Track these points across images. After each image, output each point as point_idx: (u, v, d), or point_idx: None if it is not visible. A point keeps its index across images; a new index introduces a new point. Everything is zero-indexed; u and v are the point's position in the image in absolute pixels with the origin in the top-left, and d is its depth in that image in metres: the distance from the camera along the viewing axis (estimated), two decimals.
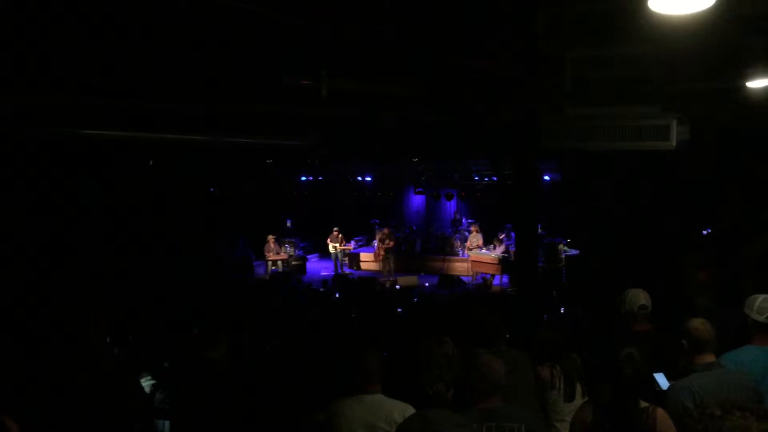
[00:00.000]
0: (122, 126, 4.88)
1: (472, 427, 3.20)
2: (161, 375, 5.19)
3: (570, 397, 4.53)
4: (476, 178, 18.73)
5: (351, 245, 19.43)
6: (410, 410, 3.57)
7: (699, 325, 3.89)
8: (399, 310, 10.42)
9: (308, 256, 19.93)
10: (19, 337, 6.04)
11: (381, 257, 17.62)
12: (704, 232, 9.99)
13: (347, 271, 18.64)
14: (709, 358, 3.86)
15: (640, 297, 4.88)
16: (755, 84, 5.01)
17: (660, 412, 3.31)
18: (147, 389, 4.82)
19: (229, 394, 4.29)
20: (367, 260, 18.96)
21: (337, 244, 18.47)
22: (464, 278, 16.57)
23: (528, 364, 4.65)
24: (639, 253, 9.39)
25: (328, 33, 4.63)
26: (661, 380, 3.91)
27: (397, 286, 14.63)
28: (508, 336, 4.81)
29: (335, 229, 18.57)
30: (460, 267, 17.49)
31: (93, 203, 11.89)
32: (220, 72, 5.09)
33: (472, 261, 16.71)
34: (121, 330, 6.59)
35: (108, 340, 4.53)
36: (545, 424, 4.43)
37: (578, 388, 4.57)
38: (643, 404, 3.34)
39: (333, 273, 17.87)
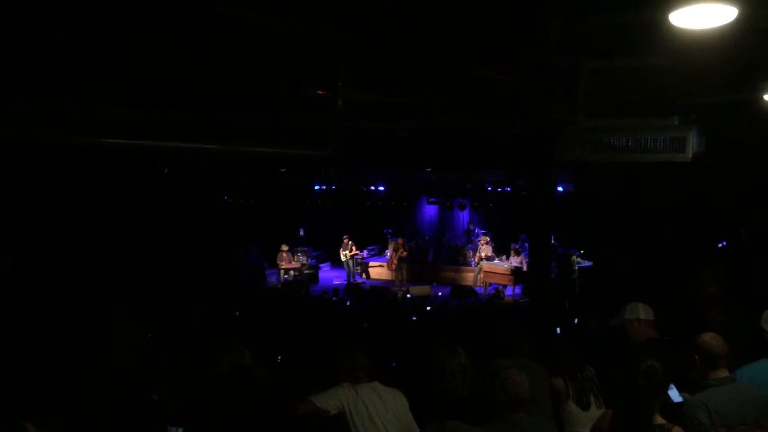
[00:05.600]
0: (138, 135, 4.93)
1: None
2: (174, 382, 5.21)
3: (585, 408, 4.52)
4: (489, 188, 18.73)
5: (363, 253, 19.44)
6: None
7: (711, 339, 3.86)
8: (414, 318, 10.43)
9: (321, 265, 19.95)
10: (42, 341, 6.10)
11: (394, 267, 17.62)
12: (719, 245, 9.94)
13: (359, 280, 18.65)
14: (723, 372, 3.82)
15: (640, 309, 4.90)
16: None
17: (678, 430, 3.28)
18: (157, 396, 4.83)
19: (236, 403, 4.31)
20: (380, 270, 18.96)
21: (348, 252, 18.49)
22: (476, 289, 16.53)
23: (544, 375, 4.66)
24: (653, 265, 9.35)
25: (343, 42, 4.67)
26: (673, 393, 3.87)
27: (408, 295, 14.63)
28: (528, 348, 4.84)
29: (345, 236, 18.60)
30: (473, 277, 17.45)
31: (107, 209, 11.97)
32: (237, 81, 5.13)
33: (485, 271, 16.67)
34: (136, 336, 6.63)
35: (131, 343, 4.58)
36: None
37: (593, 399, 4.57)
38: (661, 421, 3.31)
39: (345, 282, 17.88)
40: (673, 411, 3.67)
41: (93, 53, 4.22)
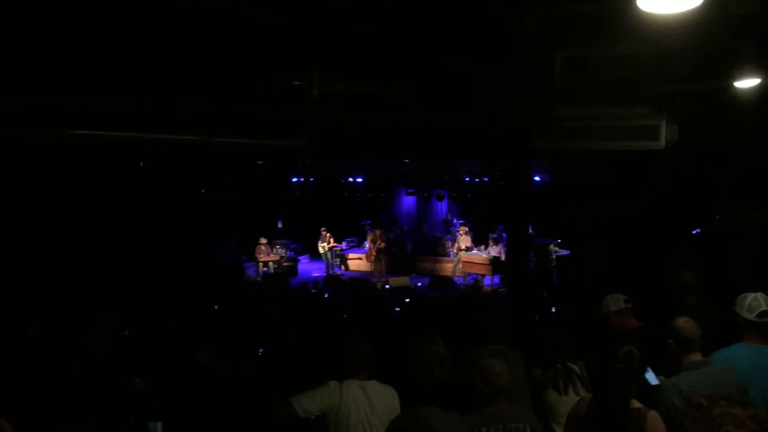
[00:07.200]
0: (112, 126, 4.87)
1: (463, 423, 3.22)
2: (153, 377, 5.19)
3: (565, 395, 4.54)
4: (467, 179, 18.81)
5: (342, 245, 19.45)
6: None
7: (683, 323, 3.93)
8: (397, 309, 10.44)
9: (300, 258, 19.92)
10: (17, 339, 6.04)
11: (373, 258, 17.64)
12: (693, 232, 10.05)
13: (338, 272, 18.65)
14: (696, 356, 3.88)
15: (620, 297, 4.97)
16: (742, 84, 5.05)
17: (652, 414, 3.31)
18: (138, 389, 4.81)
19: (217, 396, 4.31)
20: (359, 261, 18.97)
21: (326, 244, 18.47)
22: (456, 279, 16.61)
23: (522, 364, 4.69)
24: (629, 253, 9.44)
25: (318, 33, 4.65)
26: (650, 376, 3.94)
27: (387, 286, 14.66)
28: (506, 336, 4.86)
29: (323, 229, 18.59)
30: (451, 268, 17.52)
31: (82, 204, 11.85)
32: (211, 72, 5.10)
33: (464, 261, 16.75)
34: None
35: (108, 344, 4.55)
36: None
37: (571, 387, 4.58)
38: (637, 405, 3.36)
39: (324, 274, 17.88)
40: (650, 394, 3.73)
41: (61, 40, 4.17)
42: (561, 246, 15.48)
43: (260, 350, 7.24)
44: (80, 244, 11.76)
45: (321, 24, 4.49)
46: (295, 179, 20.80)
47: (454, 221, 19.69)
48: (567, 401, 4.48)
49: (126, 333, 7.14)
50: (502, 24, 4.91)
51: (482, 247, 17.10)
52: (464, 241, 17.18)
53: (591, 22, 4.55)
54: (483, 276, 16.08)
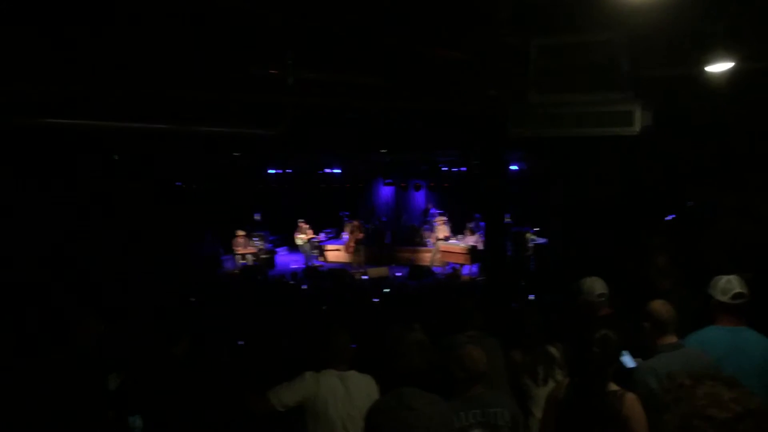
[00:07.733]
0: (83, 115, 4.80)
1: (445, 404, 3.23)
2: (131, 371, 5.15)
3: (544, 382, 4.57)
4: (444, 168, 18.83)
5: (320, 237, 19.40)
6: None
7: (659, 306, 3.98)
8: (376, 300, 10.46)
9: (277, 250, 19.83)
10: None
11: (351, 249, 17.62)
12: (667, 218, 10.14)
13: (317, 263, 18.60)
14: (671, 339, 3.93)
15: (596, 286, 4.99)
16: (715, 69, 5.09)
17: (630, 396, 3.34)
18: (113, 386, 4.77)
19: (193, 389, 4.28)
20: (337, 253, 18.94)
21: (304, 236, 18.41)
22: (434, 268, 16.65)
23: (499, 349, 4.72)
24: (604, 239, 9.52)
25: (293, 21, 4.61)
26: (627, 359, 3.97)
27: (365, 277, 14.67)
28: (481, 321, 4.89)
29: (301, 220, 18.53)
30: (430, 257, 17.56)
31: (54, 198, 11.68)
32: (186, 60, 5.04)
33: (442, 251, 16.80)
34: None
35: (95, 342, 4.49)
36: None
37: (550, 374, 4.61)
38: (614, 387, 3.39)
39: (302, 266, 17.83)
40: (627, 376, 3.76)
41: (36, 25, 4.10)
42: (538, 234, 15.58)
43: (239, 342, 7.22)
44: (56, 240, 11.61)
45: (300, 11, 4.46)
46: (272, 171, 20.69)
47: (432, 211, 19.73)
48: (545, 385, 4.53)
49: (104, 328, 7.06)
50: (478, 10, 4.90)
51: (460, 236, 17.16)
52: (442, 230, 17.22)
53: (565, 8, 4.56)
54: (462, 265, 16.16)
